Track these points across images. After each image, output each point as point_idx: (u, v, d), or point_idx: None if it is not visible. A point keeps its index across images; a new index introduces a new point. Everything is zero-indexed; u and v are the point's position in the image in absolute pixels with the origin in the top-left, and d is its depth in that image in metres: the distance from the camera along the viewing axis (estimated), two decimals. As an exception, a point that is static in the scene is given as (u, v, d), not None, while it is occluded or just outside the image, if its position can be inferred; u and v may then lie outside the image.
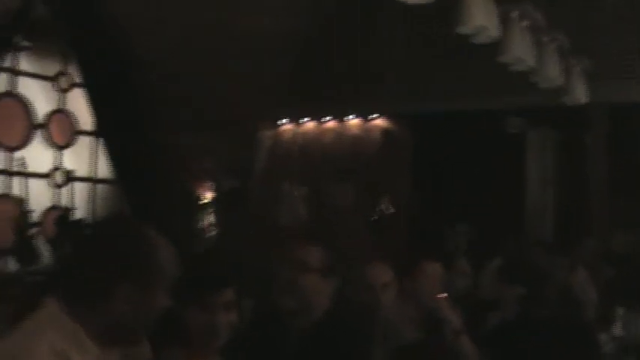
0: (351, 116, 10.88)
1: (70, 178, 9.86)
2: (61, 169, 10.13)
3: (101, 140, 10.36)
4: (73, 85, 10.26)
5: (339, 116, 10.95)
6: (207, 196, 10.90)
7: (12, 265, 8.64)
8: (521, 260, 6.95)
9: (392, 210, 10.36)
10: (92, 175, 10.62)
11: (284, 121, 11.26)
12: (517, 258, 7.40)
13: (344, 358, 3.79)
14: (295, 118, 11.19)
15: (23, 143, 9.78)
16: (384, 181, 10.46)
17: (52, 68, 10.15)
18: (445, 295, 5.24)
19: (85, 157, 10.54)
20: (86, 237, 2.66)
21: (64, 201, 9.91)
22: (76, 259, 2.55)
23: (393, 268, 5.06)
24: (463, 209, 9.51)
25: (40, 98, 10.02)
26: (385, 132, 10.64)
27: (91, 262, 2.46)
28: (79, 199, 9.99)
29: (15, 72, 9.70)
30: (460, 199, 9.85)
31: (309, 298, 3.91)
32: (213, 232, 10.88)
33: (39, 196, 9.69)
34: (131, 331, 2.52)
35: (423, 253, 5.75)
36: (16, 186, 9.46)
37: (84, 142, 10.53)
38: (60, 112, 10.24)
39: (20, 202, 9.21)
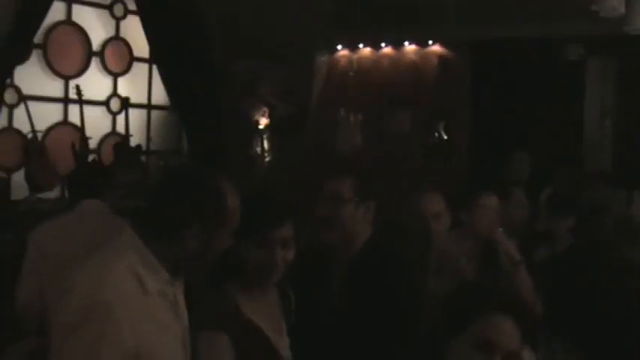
0: (407, 42, 10.76)
1: (126, 105, 9.89)
2: (117, 96, 10.19)
3: (157, 67, 10.39)
4: (129, 12, 10.26)
5: (396, 43, 10.83)
6: (264, 122, 10.90)
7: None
8: (572, 191, 6.83)
9: (448, 138, 10.30)
10: (148, 102, 10.69)
11: (340, 47, 11.17)
12: (568, 188, 7.27)
13: (390, 286, 3.73)
14: (351, 45, 11.10)
15: (80, 71, 9.84)
16: (441, 108, 10.37)
17: (107, -5, 10.18)
18: (501, 227, 5.22)
19: (140, 84, 10.59)
20: (166, 180, 2.92)
21: (121, 128, 9.97)
22: (154, 198, 2.82)
23: (448, 198, 5.01)
24: (521, 138, 9.38)
25: (95, 26, 10.05)
26: (442, 59, 10.52)
27: (168, 203, 2.74)
28: (135, 126, 10.04)
29: (71, 0, 9.71)
30: (518, 127, 9.72)
31: (348, 229, 3.86)
32: (269, 159, 10.91)
33: (96, 124, 9.76)
34: (196, 265, 2.83)
35: (480, 184, 5.71)
36: (74, 113, 9.55)
37: (139, 69, 10.57)
38: (115, 40, 10.27)
39: (78, 129, 9.28)
